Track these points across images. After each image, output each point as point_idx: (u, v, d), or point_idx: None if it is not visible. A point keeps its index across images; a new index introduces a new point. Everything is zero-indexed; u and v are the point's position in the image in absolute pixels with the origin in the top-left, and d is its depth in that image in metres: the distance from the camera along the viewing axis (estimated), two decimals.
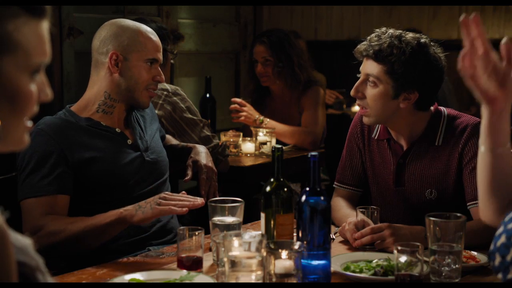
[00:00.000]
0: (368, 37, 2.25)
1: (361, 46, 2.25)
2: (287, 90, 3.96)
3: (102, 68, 2.31)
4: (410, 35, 2.23)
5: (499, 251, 1.32)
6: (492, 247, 1.35)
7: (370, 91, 2.24)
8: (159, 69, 2.36)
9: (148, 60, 2.32)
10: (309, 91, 3.91)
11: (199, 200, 2.02)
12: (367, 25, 5.93)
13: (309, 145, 3.79)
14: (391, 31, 2.24)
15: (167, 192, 2.08)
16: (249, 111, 3.76)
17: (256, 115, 3.76)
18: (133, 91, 2.31)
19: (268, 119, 3.76)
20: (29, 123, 1.07)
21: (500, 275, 1.31)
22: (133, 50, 2.29)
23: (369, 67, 2.23)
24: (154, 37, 2.35)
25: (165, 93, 3.11)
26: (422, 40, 2.22)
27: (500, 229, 1.35)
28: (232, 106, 3.79)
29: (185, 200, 2.02)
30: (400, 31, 2.25)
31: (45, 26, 1.06)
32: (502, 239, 1.32)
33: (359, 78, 2.27)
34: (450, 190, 2.27)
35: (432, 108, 2.32)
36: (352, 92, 2.27)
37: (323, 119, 3.94)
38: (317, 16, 6.13)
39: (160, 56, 2.37)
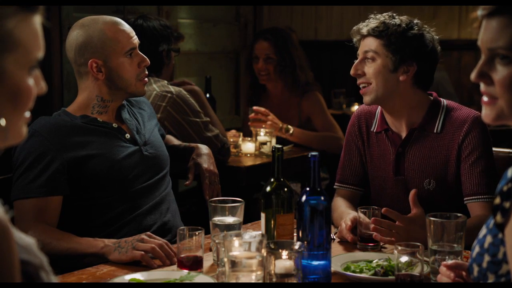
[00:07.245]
0: (361, 22, 2.35)
1: (356, 27, 2.35)
2: (286, 91, 3.95)
3: (86, 76, 2.28)
4: (403, 16, 2.33)
5: (475, 261, 1.31)
6: (469, 261, 1.35)
7: (370, 66, 2.28)
8: (140, 53, 2.32)
9: (127, 53, 2.28)
10: (309, 97, 3.90)
11: (170, 261, 1.95)
12: None
13: (337, 149, 3.71)
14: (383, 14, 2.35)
15: (148, 233, 2.02)
16: (273, 120, 3.65)
17: (280, 123, 3.68)
18: (126, 87, 2.30)
19: (292, 128, 3.70)
20: (28, 114, 1.07)
21: None
22: (108, 50, 2.25)
23: (366, 44, 2.30)
24: (121, 26, 2.29)
25: (168, 95, 3.09)
26: (415, 21, 2.32)
27: (474, 243, 1.35)
28: (253, 115, 3.65)
29: (161, 252, 1.96)
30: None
31: (38, 20, 1.06)
32: (476, 249, 1.32)
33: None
34: (449, 182, 2.28)
35: (431, 97, 2.34)
36: (352, 71, 2.31)
37: (334, 121, 3.96)
38: (317, 16, 6.13)
39: (135, 40, 2.31)
